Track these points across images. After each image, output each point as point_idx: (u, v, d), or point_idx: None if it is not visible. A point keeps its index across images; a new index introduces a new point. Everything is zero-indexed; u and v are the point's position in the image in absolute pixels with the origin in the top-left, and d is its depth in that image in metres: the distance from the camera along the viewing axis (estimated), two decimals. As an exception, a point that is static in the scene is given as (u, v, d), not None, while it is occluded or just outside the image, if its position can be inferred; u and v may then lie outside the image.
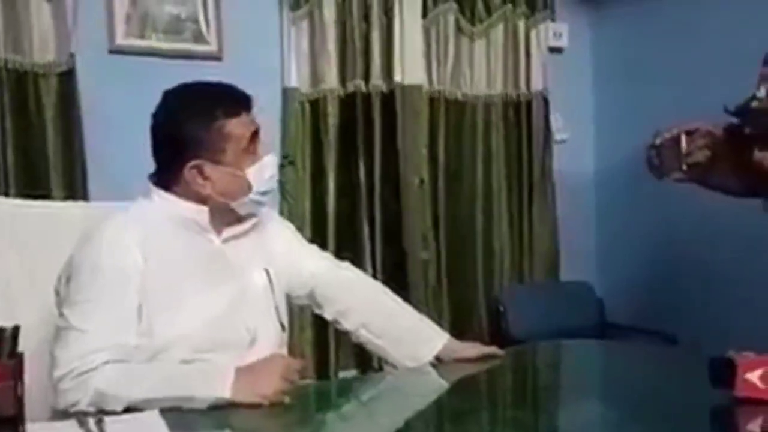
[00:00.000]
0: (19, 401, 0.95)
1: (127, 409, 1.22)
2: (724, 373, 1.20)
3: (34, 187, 2.34)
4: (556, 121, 3.24)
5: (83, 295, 1.32)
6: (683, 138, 1.57)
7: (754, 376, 1.18)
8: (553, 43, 3.24)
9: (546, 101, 3.17)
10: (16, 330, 0.95)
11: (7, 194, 2.27)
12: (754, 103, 1.50)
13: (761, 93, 1.57)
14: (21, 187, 2.33)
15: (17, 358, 0.95)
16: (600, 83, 3.38)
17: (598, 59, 3.39)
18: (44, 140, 2.39)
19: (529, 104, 3.14)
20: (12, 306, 1.54)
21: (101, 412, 1.19)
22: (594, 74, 3.40)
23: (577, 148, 3.34)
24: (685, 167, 1.58)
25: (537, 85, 3.14)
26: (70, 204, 2.22)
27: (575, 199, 3.29)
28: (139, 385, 1.25)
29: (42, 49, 2.39)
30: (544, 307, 3.01)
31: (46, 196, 2.33)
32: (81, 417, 1.14)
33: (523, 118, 3.14)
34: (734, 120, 1.54)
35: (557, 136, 3.26)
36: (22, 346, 0.98)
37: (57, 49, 2.40)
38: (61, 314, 1.33)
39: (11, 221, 1.69)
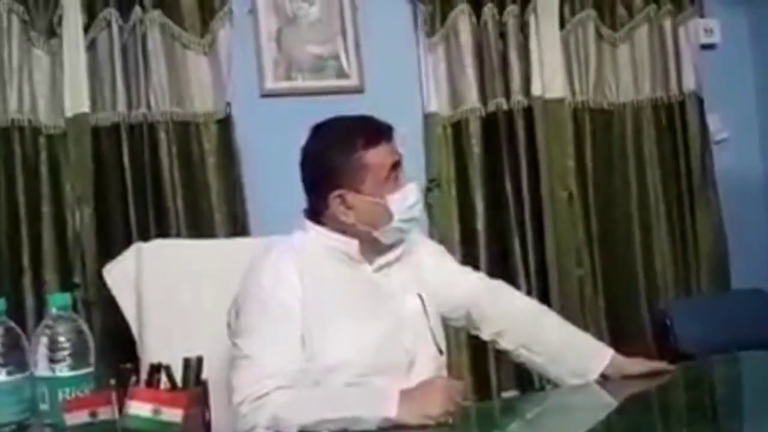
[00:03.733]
0: (207, 426, 1.02)
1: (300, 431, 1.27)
2: None
3: (200, 228, 2.50)
4: (713, 121, 3.05)
5: (251, 325, 1.40)
6: None
7: None
8: (705, 40, 3.07)
9: (701, 101, 3.00)
10: (200, 360, 1.02)
11: (178, 235, 2.45)
12: None
13: None
14: (189, 229, 2.49)
15: (203, 386, 1.02)
16: (761, 77, 3.15)
17: (756, 52, 3.16)
18: (207, 184, 2.54)
19: (682, 105, 2.99)
20: (189, 336, 1.66)
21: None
22: (754, 69, 3.18)
23: (740, 147, 3.13)
24: None
25: (689, 85, 2.98)
26: (233, 240, 2.37)
27: (743, 202, 3.07)
28: (310, 408, 1.29)
29: (201, 100, 2.56)
30: (716, 318, 2.80)
31: (211, 235, 2.48)
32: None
33: (676, 120, 2.99)
34: None
35: (716, 136, 3.07)
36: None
37: (214, 98, 2.57)
38: (234, 344, 1.41)
39: (183, 259, 1.84)
